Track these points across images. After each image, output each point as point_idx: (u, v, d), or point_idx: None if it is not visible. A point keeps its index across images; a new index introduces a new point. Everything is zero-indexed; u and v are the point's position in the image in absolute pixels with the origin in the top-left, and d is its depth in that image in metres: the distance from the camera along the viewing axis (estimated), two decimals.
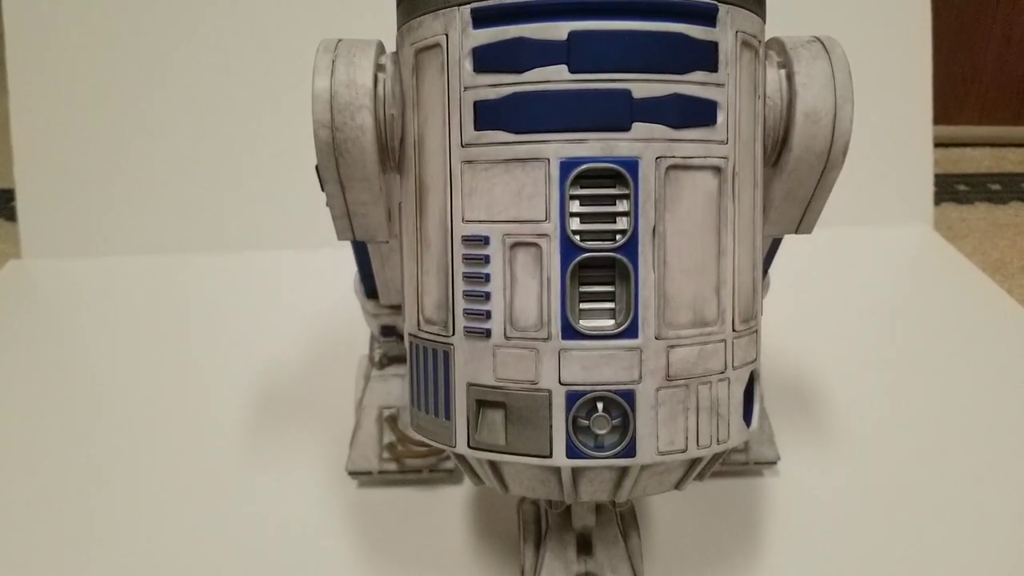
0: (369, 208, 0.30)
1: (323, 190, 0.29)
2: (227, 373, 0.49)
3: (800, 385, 0.47)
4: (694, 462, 0.26)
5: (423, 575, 0.35)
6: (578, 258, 0.24)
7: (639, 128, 0.24)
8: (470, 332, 0.25)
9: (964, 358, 0.50)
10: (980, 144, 0.90)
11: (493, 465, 0.26)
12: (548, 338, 0.24)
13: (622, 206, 0.24)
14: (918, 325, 0.54)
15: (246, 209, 0.66)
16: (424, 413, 0.28)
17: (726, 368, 0.26)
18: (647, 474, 0.26)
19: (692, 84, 0.24)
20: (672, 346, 0.25)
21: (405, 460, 0.38)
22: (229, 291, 0.59)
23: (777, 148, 0.29)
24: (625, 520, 0.32)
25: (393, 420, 0.38)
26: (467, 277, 0.25)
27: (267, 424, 0.45)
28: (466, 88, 0.25)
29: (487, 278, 0.25)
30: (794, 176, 0.29)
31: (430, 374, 0.27)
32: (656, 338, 0.25)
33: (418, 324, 0.28)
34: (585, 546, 0.31)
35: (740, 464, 0.40)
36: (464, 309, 0.25)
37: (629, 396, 0.25)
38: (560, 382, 0.25)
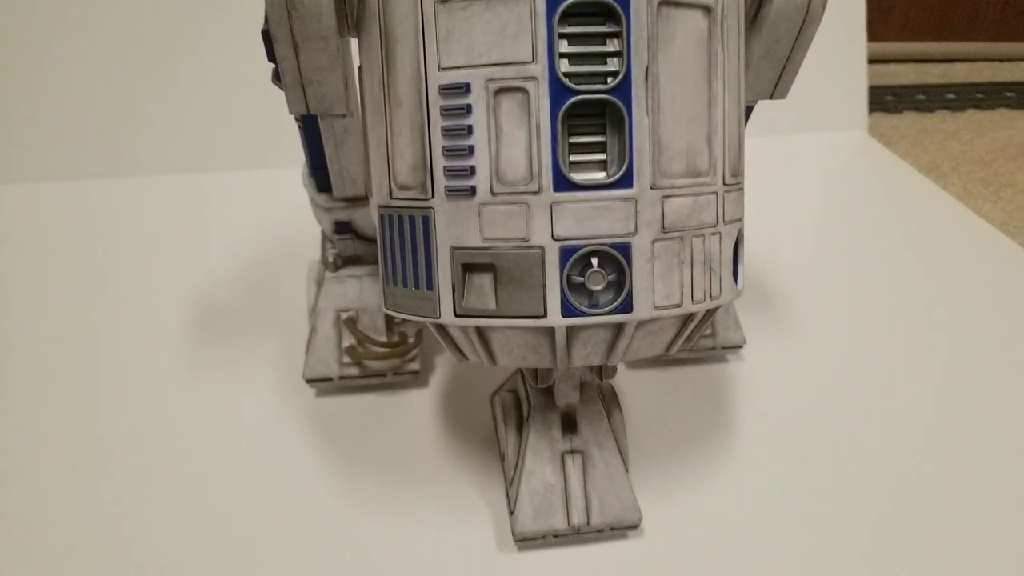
0: (325, 74, 0.27)
1: (271, 58, 0.27)
2: (171, 291, 0.46)
3: (757, 278, 0.48)
4: (686, 320, 0.25)
5: (396, 482, 0.33)
6: (570, 101, 0.22)
7: None
8: (453, 192, 0.24)
9: (909, 248, 0.51)
10: (904, 60, 0.92)
11: (481, 333, 0.25)
12: (539, 191, 0.23)
13: (613, 45, 0.23)
14: (864, 219, 0.55)
15: (185, 131, 0.63)
16: (402, 288, 0.26)
17: (717, 222, 0.25)
18: (641, 333, 0.25)
19: None
20: (667, 196, 0.24)
21: (367, 363, 0.37)
22: (171, 213, 0.57)
23: (757, 2, 0.28)
24: (606, 398, 0.31)
25: (352, 322, 0.36)
26: (447, 131, 0.23)
27: (215, 337, 0.42)
28: None
29: (469, 130, 0.23)
30: (773, 32, 0.28)
31: (407, 244, 0.25)
32: (651, 188, 0.23)
33: (390, 193, 0.26)
34: (569, 424, 0.30)
35: (707, 350, 0.39)
36: (445, 167, 0.24)
37: (624, 249, 0.23)
38: (553, 237, 0.23)
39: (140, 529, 0.31)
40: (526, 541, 0.29)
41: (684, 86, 0.24)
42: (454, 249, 0.24)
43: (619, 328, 0.24)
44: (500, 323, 0.24)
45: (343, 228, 0.36)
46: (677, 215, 0.24)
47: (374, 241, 0.37)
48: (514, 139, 0.23)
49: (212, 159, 0.62)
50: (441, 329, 0.26)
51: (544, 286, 0.23)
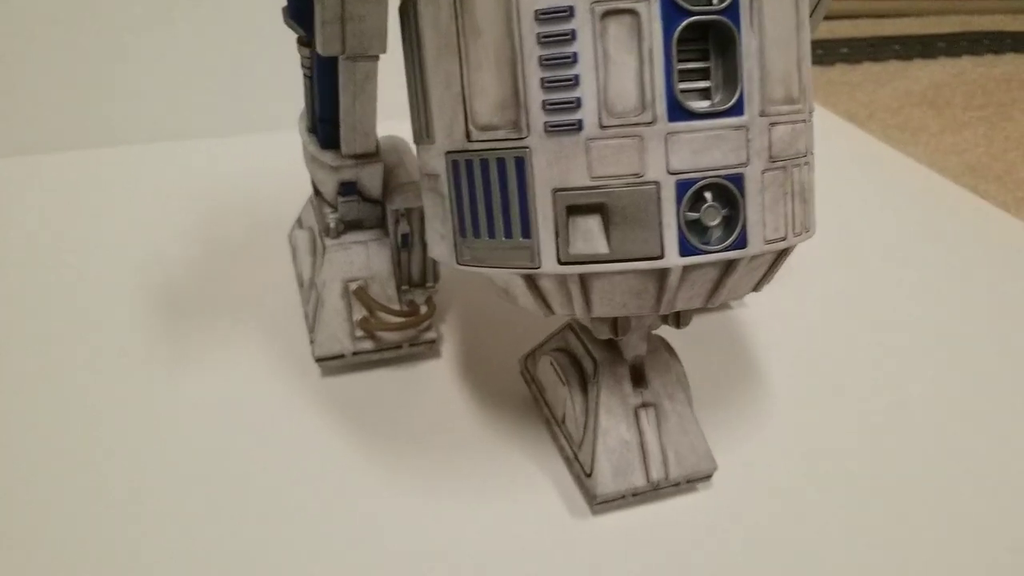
0: (370, 8, 0.25)
1: None
2: (137, 267, 0.41)
3: None
4: (779, 256, 0.25)
5: (440, 459, 0.31)
6: (684, 22, 0.21)
7: None
8: (555, 127, 0.22)
9: (844, 188, 0.53)
10: None
11: (584, 282, 0.23)
12: (653, 121, 0.21)
13: None
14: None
15: (146, 100, 0.58)
16: (486, 239, 0.24)
17: (807, 152, 0.24)
18: (743, 271, 0.24)
19: None
20: (773, 124, 0.23)
21: (381, 335, 0.34)
22: (133, 184, 0.52)
23: None
24: (665, 348, 0.30)
25: (363, 292, 0.33)
26: (546, 62, 0.21)
27: (193, 321, 0.37)
28: None
29: (574, 58, 0.21)
30: None
31: (494, 190, 0.23)
32: (760, 115, 0.22)
33: (467, 135, 0.23)
34: (637, 378, 0.29)
35: None
36: (544, 102, 0.21)
37: (738, 181, 0.22)
38: (668, 171, 0.22)
39: (151, 535, 0.27)
40: (606, 503, 0.28)
41: (779, 8, 0.23)
42: (556, 191, 0.22)
43: (728, 266, 0.23)
44: (610, 268, 0.22)
45: (348, 189, 0.33)
46: (781, 143, 0.23)
47: (379, 202, 0.34)
48: (623, 66, 0.21)
49: (172, 127, 0.57)
50: (530, 280, 0.24)
51: (660, 224, 0.22)
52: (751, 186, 0.22)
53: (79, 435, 0.31)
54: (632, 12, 0.21)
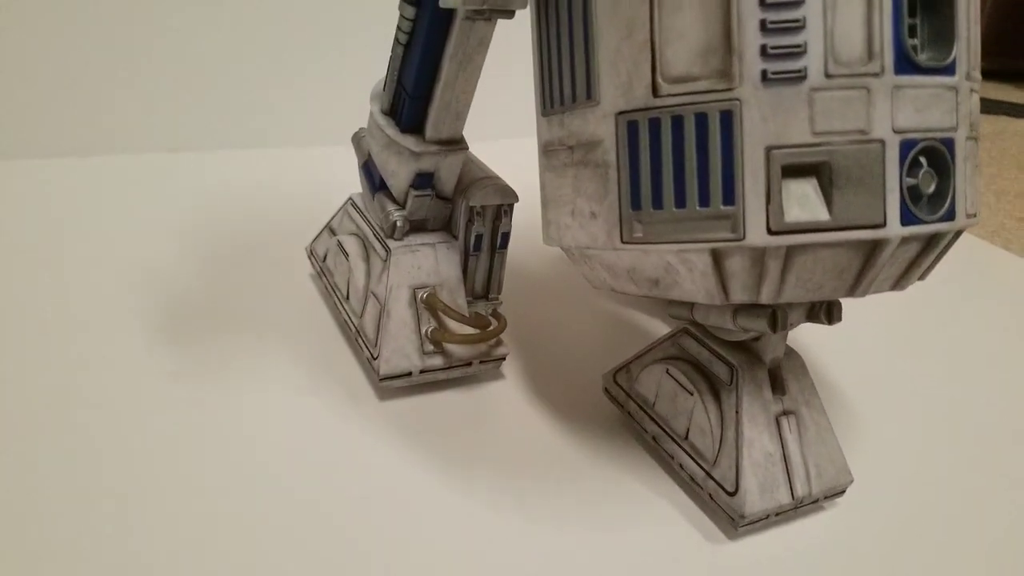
0: None
1: None
2: (150, 281, 0.35)
3: None
4: (956, 235, 0.23)
5: (547, 488, 0.27)
6: None
7: None
8: (776, 76, 0.19)
9: None
10: None
11: (787, 258, 0.20)
12: (880, 72, 0.19)
13: None
14: None
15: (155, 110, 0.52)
16: (671, 209, 0.21)
17: (974, 127, 0.23)
18: (937, 251, 0.22)
19: None
20: (972, 89, 0.21)
21: (451, 351, 0.29)
22: (146, 194, 0.46)
23: None
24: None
25: (436, 299, 0.29)
26: (769, 1, 0.19)
27: (228, 338, 0.32)
28: None
29: None
30: None
31: (688, 151, 0.20)
32: (966, 78, 0.21)
33: (653, 90, 0.20)
34: (776, 382, 0.26)
35: None
36: (763, 46, 0.19)
37: (951, 146, 0.20)
38: (894, 129, 0.19)
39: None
40: (751, 524, 0.25)
41: None
42: (771, 149, 0.19)
43: (930, 242, 0.21)
44: (826, 238, 0.20)
45: (424, 181, 0.29)
46: (975, 112, 0.22)
47: (448, 200, 0.30)
48: (851, 10, 0.19)
49: (180, 137, 0.52)
50: (718, 257, 0.21)
51: (884, 189, 0.20)
52: (960, 153, 0.21)
53: (117, 472, 0.25)
54: None
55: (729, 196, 0.20)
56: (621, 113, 0.21)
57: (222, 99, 0.54)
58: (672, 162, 0.20)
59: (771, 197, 0.20)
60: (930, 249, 0.21)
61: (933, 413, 0.33)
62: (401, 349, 0.29)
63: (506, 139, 0.48)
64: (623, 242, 0.22)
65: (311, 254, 0.36)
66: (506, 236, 0.30)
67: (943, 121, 0.20)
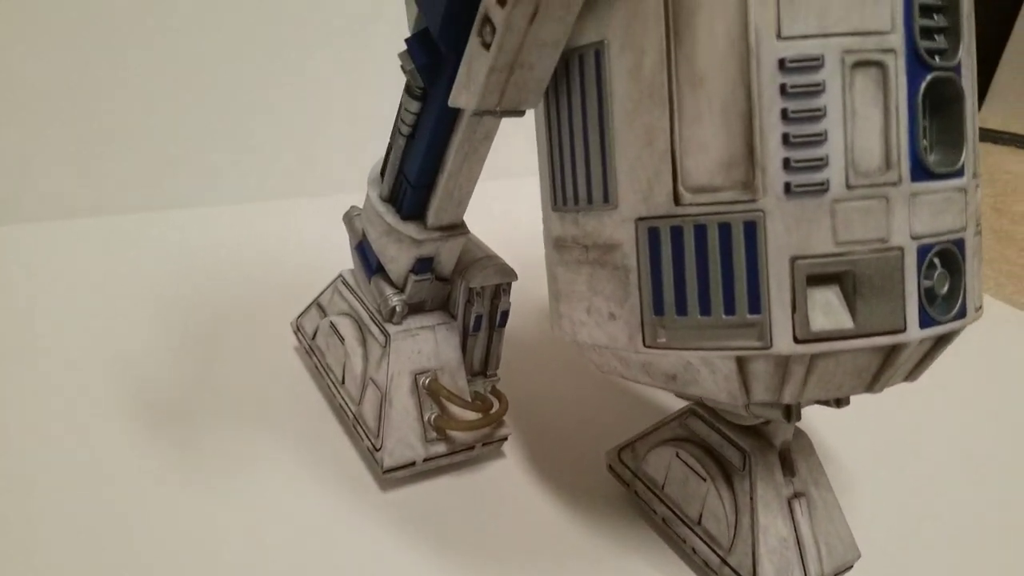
0: (545, 53, 0.21)
1: (486, 31, 0.20)
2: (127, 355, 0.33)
3: None
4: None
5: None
6: (928, 78, 0.20)
7: None
8: (799, 188, 0.19)
9: None
10: None
11: (813, 361, 0.20)
12: (898, 182, 0.20)
13: (940, 20, 0.20)
14: None
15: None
16: (696, 316, 0.21)
17: (979, 221, 0.24)
18: (945, 347, 0.22)
19: None
20: (976, 186, 0.22)
21: (454, 436, 0.29)
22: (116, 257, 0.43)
23: None
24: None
25: (438, 385, 0.28)
26: (792, 115, 0.19)
27: (211, 422, 0.30)
28: None
29: (823, 112, 0.19)
30: None
31: (712, 259, 0.20)
32: (973, 176, 0.21)
33: (675, 198, 0.20)
34: (786, 464, 0.26)
35: None
36: (786, 159, 0.19)
37: (961, 246, 0.21)
38: (911, 235, 0.20)
39: None
40: None
41: (973, 68, 0.22)
42: (795, 259, 0.20)
43: (941, 339, 0.22)
44: (851, 345, 0.20)
45: (424, 266, 0.28)
46: (978, 207, 0.22)
47: (448, 280, 0.30)
48: (869, 121, 0.19)
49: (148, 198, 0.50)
50: (743, 362, 0.21)
51: (904, 294, 0.20)
52: (969, 251, 0.21)
53: (112, 566, 0.24)
54: (880, 64, 0.19)
55: (755, 305, 0.20)
56: (641, 219, 0.21)
57: (184, 156, 0.53)
58: (696, 270, 0.20)
59: (797, 306, 0.20)
60: (942, 344, 0.22)
61: (930, 477, 0.33)
62: (404, 439, 0.28)
63: (490, 180, 0.47)
64: (646, 346, 0.22)
65: (298, 329, 0.35)
66: (505, 314, 0.30)
67: (955, 223, 0.21)
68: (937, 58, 0.20)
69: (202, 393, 0.33)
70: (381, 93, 0.59)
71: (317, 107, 0.57)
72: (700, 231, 0.20)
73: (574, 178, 0.23)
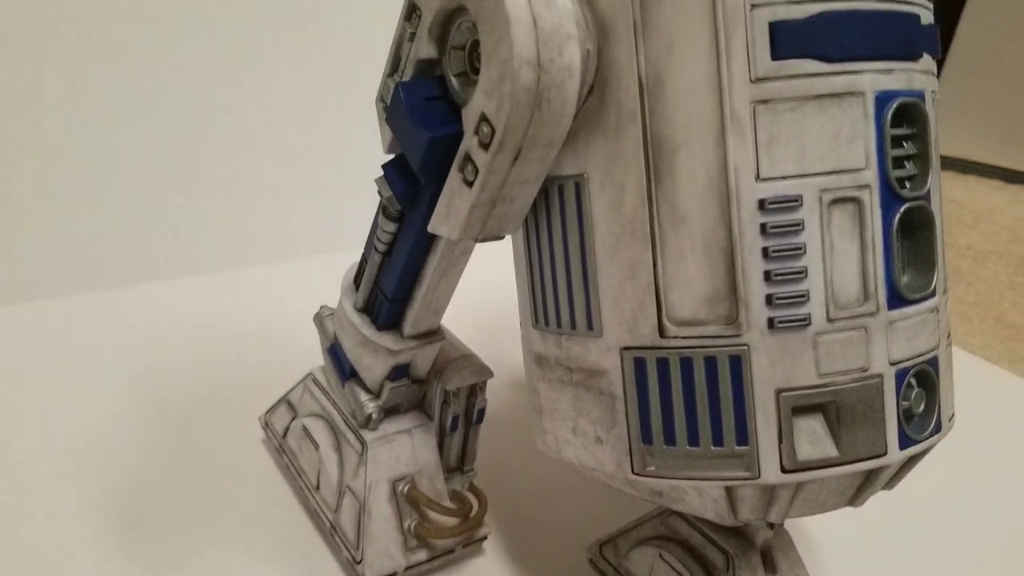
0: (526, 188, 0.21)
1: (467, 170, 0.20)
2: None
3: None
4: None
5: None
6: (902, 209, 0.20)
7: (925, 59, 0.21)
8: (782, 323, 0.20)
9: None
10: None
11: (799, 486, 0.21)
12: (876, 311, 0.20)
13: (911, 147, 0.21)
14: None
15: None
16: (684, 447, 0.21)
17: (949, 333, 0.24)
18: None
19: (931, 12, 0.22)
20: (946, 302, 0.23)
21: (434, 542, 0.29)
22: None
23: None
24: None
25: (417, 492, 0.28)
26: (772, 253, 0.19)
27: (174, 535, 0.29)
28: (755, 6, 0.19)
29: (802, 249, 0.19)
30: None
31: (698, 392, 0.20)
32: (943, 293, 0.22)
33: (660, 331, 0.20)
34: (768, 562, 0.27)
35: None
36: (768, 295, 0.19)
37: (935, 364, 0.22)
38: (890, 362, 0.20)
39: None
40: None
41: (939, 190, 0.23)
42: (780, 391, 0.20)
43: (918, 455, 0.22)
44: (836, 472, 0.20)
45: (401, 373, 0.28)
46: (948, 321, 0.23)
47: (424, 381, 0.29)
48: (846, 256, 0.20)
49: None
50: (730, 488, 0.21)
51: (884, 419, 0.20)
52: (942, 366, 0.22)
53: None
54: (856, 200, 0.20)
55: (743, 436, 0.20)
56: (627, 348, 0.21)
57: (135, 230, 0.52)
58: (683, 401, 0.21)
59: (783, 437, 0.20)
60: (919, 458, 0.22)
61: (910, 561, 0.34)
62: (385, 550, 0.28)
63: None
64: (635, 473, 0.22)
65: (266, 425, 0.35)
66: (482, 412, 0.30)
67: (929, 343, 0.21)
68: (908, 185, 0.21)
69: (166, 493, 0.32)
70: (338, 154, 0.59)
71: (276, 172, 0.56)
72: (686, 363, 0.20)
73: (556, 302, 0.23)
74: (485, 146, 0.20)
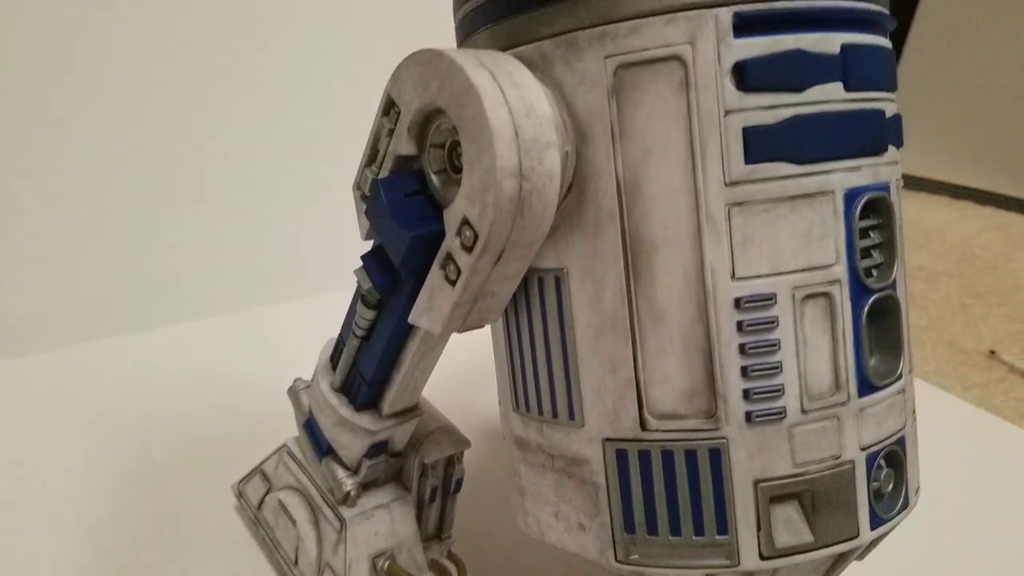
0: (507, 284, 0.22)
1: (450, 269, 0.20)
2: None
3: None
4: None
5: None
6: (870, 301, 0.21)
7: (890, 151, 0.22)
8: (759, 416, 0.20)
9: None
10: None
11: (776, 572, 0.21)
12: (847, 400, 0.21)
13: (877, 237, 0.22)
14: None
15: None
16: (667, 537, 0.21)
17: (914, 409, 0.25)
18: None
19: (894, 101, 0.23)
20: (911, 380, 0.23)
21: None
22: None
23: None
24: None
25: (396, 568, 0.28)
26: (748, 349, 0.20)
27: None
28: (729, 112, 0.19)
29: (777, 345, 0.20)
30: None
31: (679, 484, 0.21)
32: (909, 372, 0.23)
33: (641, 424, 0.21)
34: None
35: None
36: (745, 390, 0.20)
37: (902, 443, 0.22)
38: (860, 447, 0.21)
39: None
40: None
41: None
42: (759, 482, 0.20)
43: (888, 531, 0.23)
44: (812, 556, 0.21)
45: (379, 450, 0.28)
46: (912, 399, 0.24)
47: (401, 454, 0.30)
48: (819, 348, 0.21)
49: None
50: (711, 571, 0.22)
51: (856, 503, 0.21)
52: (909, 444, 0.23)
53: None
54: (827, 295, 0.20)
55: (723, 527, 0.21)
56: (609, 440, 0.21)
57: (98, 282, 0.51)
58: (665, 492, 0.21)
59: (761, 526, 0.21)
60: (888, 534, 0.23)
61: None
62: None
63: None
64: (618, 562, 0.22)
65: (240, 495, 0.34)
66: (460, 481, 0.30)
67: (897, 424, 0.22)
68: (875, 273, 0.21)
69: (139, 561, 0.31)
70: (293, 198, 0.59)
71: (236, 219, 0.56)
72: (667, 456, 0.21)
73: (537, 390, 0.23)
74: (468, 249, 0.20)
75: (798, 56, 0.19)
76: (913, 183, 1.17)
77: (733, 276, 0.20)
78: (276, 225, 0.57)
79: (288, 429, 0.33)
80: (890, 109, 0.22)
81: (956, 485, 0.42)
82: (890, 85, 0.22)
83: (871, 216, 0.21)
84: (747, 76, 0.19)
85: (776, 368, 0.20)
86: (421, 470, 0.29)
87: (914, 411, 0.24)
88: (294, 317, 0.53)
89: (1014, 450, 0.48)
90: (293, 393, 0.31)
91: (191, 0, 0.52)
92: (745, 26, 0.19)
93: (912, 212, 1.05)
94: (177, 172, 0.53)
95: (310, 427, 0.29)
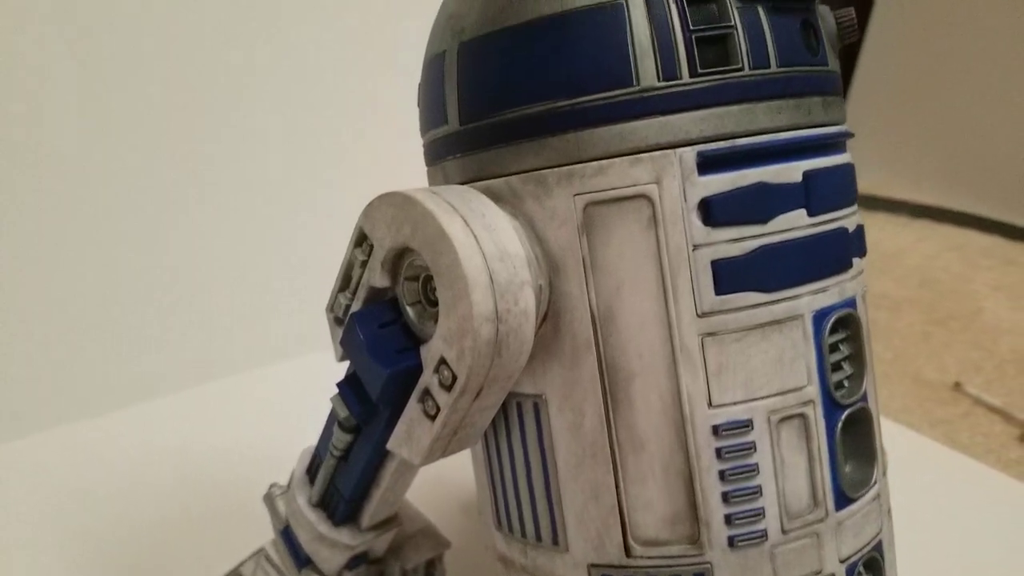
0: (487, 413, 0.22)
1: (428, 404, 0.20)
2: None
3: None
4: None
5: None
6: (843, 417, 0.21)
7: (856, 264, 0.22)
8: (742, 540, 0.20)
9: None
10: None
11: None
12: (825, 516, 0.21)
13: (846, 349, 0.22)
14: None
15: None
16: None
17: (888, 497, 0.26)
18: None
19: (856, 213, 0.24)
20: (886, 482, 0.24)
21: None
22: None
23: None
24: None
25: None
26: (728, 474, 0.20)
27: None
28: (697, 246, 0.20)
29: (756, 469, 0.20)
30: None
31: None
32: (883, 475, 0.23)
33: (625, 550, 0.21)
34: None
35: None
36: (727, 515, 0.20)
37: (880, 548, 0.23)
38: (840, 560, 0.21)
39: None
40: None
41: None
42: None
43: None
44: None
45: (358, 561, 0.28)
46: (888, 500, 0.24)
47: (381, 560, 0.29)
48: (796, 467, 0.21)
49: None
50: None
51: None
52: (886, 546, 0.23)
53: None
54: (802, 416, 0.21)
55: None
56: (594, 566, 0.21)
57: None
58: None
59: None
60: None
61: None
62: None
63: None
64: None
65: None
66: None
67: (874, 531, 0.22)
68: (847, 385, 0.22)
69: None
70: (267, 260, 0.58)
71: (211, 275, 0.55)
72: None
73: (520, 513, 0.23)
74: (447, 388, 0.20)
75: (761, 189, 0.20)
76: (871, 203, 1.19)
77: (710, 404, 0.20)
78: (243, 294, 0.57)
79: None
80: (852, 223, 0.22)
81: (931, 529, 0.43)
82: (851, 200, 0.22)
83: (840, 331, 0.22)
84: (713, 212, 0.20)
85: (756, 492, 0.20)
86: (401, 574, 0.29)
87: (889, 510, 0.24)
88: (267, 384, 0.52)
89: (985, 490, 0.49)
90: (269, 500, 0.30)
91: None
92: (708, 164, 0.20)
93: (872, 235, 1.06)
94: (137, 256, 0.53)
95: (288, 536, 0.29)
